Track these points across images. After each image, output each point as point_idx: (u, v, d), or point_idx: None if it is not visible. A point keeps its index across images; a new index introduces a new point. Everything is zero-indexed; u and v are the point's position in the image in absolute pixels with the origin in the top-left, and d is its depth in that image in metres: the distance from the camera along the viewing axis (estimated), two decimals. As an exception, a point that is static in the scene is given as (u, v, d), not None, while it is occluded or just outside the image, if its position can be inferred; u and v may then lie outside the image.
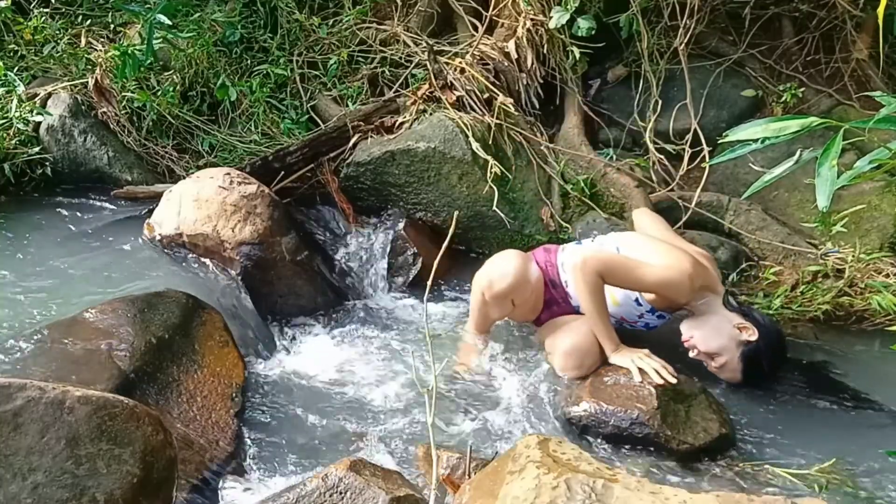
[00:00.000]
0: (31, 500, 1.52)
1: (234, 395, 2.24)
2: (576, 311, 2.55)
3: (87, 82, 3.43)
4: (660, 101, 3.45)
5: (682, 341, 2.42)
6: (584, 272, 2.33)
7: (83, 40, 3.69)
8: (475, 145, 3.06)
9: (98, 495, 1.57)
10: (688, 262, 2.35)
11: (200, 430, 2.05)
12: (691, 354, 2.41)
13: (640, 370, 2.26)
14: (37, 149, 3.31)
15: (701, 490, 1.58)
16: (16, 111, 3.26)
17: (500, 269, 2.47)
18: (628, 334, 2.48)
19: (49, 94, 3.45)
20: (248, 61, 3.68)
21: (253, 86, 3.53)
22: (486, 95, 3.28)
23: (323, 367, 2.52)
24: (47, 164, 3.32)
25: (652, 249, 2.46)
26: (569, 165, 3.27)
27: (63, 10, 3.90)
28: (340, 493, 1.64)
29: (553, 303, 2.57)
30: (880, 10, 1.25)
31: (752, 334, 2.33)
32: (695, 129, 3.35)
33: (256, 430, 2.19)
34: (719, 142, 1.72)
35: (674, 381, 2.22)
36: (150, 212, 2.92)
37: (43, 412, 1.58)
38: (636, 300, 2.44)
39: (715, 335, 2.36)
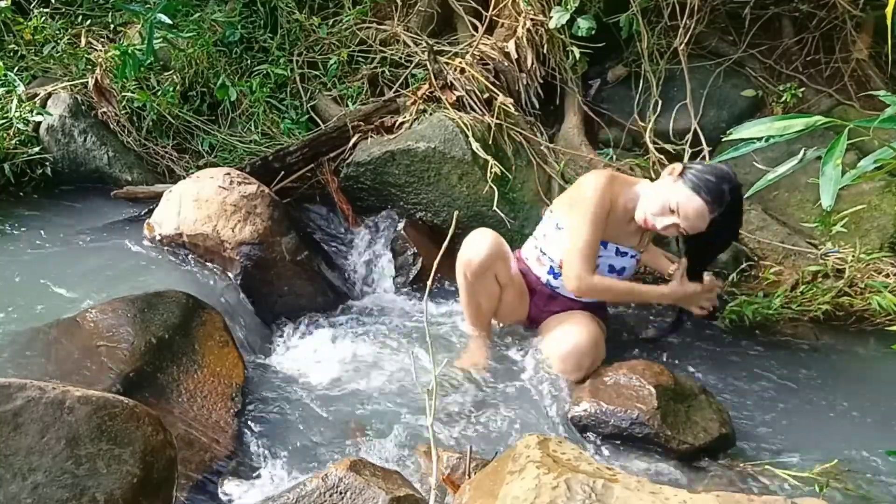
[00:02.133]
0: (31, 500, 1.52)
1: (234, 395, 2.23)
2: (551, 289, 2.57)
3: (87, 82, 3.43)
4: (660, 101, 3.45)
5: (647, 229, 2.39)
6: (586, 288, 2.40)
7: (83, 40, 3.69)
8: (475, 145, 3.06)
9: (98, 495, 1.57)
10: (591, 176, 2.41)
11: (200, 430, 2.05)
12: (662, 229, 2.32)
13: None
14: (37, 149, 3.32)
15: (701, 490, 1.57)
16: (16, 111, 3.26)
17: (473, 245, 2.47)
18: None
19: (49, 94, 3.45)
20: (248, 61, 3.68)
21: (253, 86, 3.53)
22: (486, 95, 3.28)
23: (323, 366, 2.51)
24: (47, 164, 3.32)
25: (571, 191, 2.53)
26: (569, 165, 3.27)
27: (63, 10, 3.91)
28: (340, 493, 1.64)
29: (532, 291, 2.61)
30: (889, 10, 1.25)
31: (676, 167, 2.33)
32: (695, 129, 3.35)
33: (256, 430, 2.19)
34: (722, 140, 1.73)
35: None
36: (150, 212, 2.92)
37: (43, 412, 1.57)
38: (558, 227, 2.49)
39: (653, 196, 2.33)
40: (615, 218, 2.42)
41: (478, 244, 2.46)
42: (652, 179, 3.24)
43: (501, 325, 2.70)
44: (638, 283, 2.43)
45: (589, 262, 2.37)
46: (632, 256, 2.51)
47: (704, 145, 3.28)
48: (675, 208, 2.27)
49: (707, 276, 2.62)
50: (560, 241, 2.48)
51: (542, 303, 2.60)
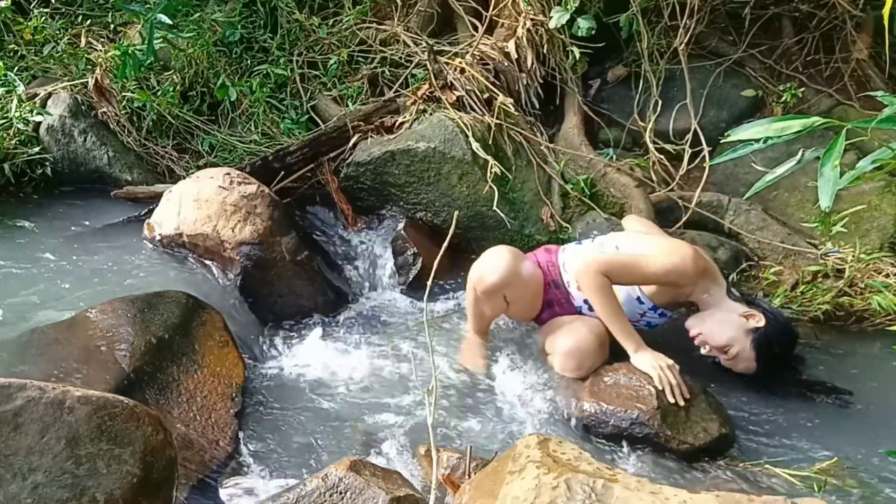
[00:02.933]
0: (31, 500, 1.52)
1: (233, 395, 2.24)
2: (578, 311, 2.55)
3: (87, 82, 3.43)
4: (660, 101, 3.45)
5: (690, 338, 2.41)
6: (588, 276, 2.33)
7: (83, 40, 3.69)
8: (475, 145, 3.06)
9: (98, 495, 1.57)
10: (688, 247, 2.37)
11: (200, 430, 2.05)
12: (703, 351, 2.40)
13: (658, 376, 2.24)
14: (37, 149, 3.31)
15: (701, 490, 1.57)
16: (16, 111, 3.26)
17: (490, 264, 2.45)
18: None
19: (49, 94, 3.45)
20: (248, 61, 3.68)
21: (253, 86, 3.53)
22: (486, 95, 3.28)
23: (323, 366, 2.52)
24: (47, 164, 3.32)
25: (652, 241, 2.48)
26: (569, 165, 3.27)
27: (63, 10, 3.90)
28: (340, 493, 1.64)
29: (555, 303, 2.56)
30: (886, 10, 1.25)
31: (759, 320, 2.32)
32: (695, 129, 3.35)
33: (256, 429, 2.19)
34: (721, 141, 1.72)
35: (682, 402, 2.20)
36: (150, 212, 2.92)
37: (43, 412, 1.57)
38: (638, 298, 2.44)
39: (723, 327, 2.34)
40: (677, 295, 2.42)
41: (494, 265, 2.43)
42: (652, 180, 3.26)
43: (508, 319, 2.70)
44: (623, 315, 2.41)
45: (617, 274, 2.33)
46: (670, 316, 2.53)
47: (704, 145, 3.28)
48: (731, 356, 2.35)
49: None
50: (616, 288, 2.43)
51: (564, 310, 2.58)
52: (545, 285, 2.55)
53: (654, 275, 2.34)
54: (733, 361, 2.37)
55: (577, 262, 2.43)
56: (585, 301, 2.48)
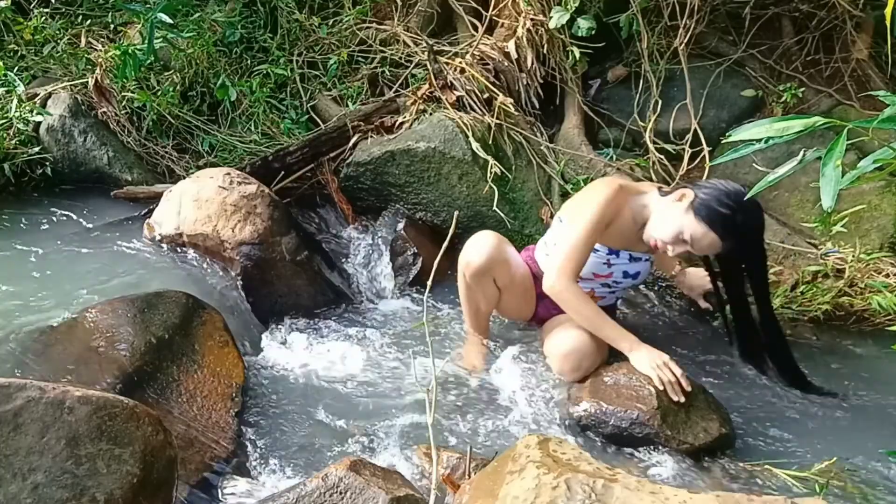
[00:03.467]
0: (31, 500, 1.52)
1: (234, 394, 2.23)
2: None
3: (87, 82, 3.43)
4: (660, 101, 3.45)
5: (655, 249, 2.37)
6: (556, 294, 2.33)
7: (83, 40, 3.69)
8: (475, 145, 3.06)
9: (98, 495, 1.57)
10: (602, 181, 2.41)
11: (200, 430, 2.05)
12: (670, 253, 2.32)
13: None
14: (37, 149, 3.31)
15: (701, 490, 1.57)
16: (16, 111, 3.26)
17: (474, 248, 2.45)
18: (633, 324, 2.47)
19: (49, 94, 3.45)
20: (248, 61, 3.68)
21: (253, 86, 3.53)
22: (486, 95, 3.28)
23: (323, 366, 2.51)
24: (47, 164, 3.32)
25: (578, 196, 2.50)
26: (569, 165, 3.27)
27: (63, 10, 3.91)
28: (340, 493, 1.64)
29: (544, 295, 2.58)
30: (888, 11, 1.25)
31: (688, 194, 2.27)
32: (695, 129, 3.35)
33: (256, 429, 2.19)
34: (722, 142, 1.72)
35: (682, 399, 2.18)
36: (150, 212, 2.92)
37: (43, 412, 1.57)
38: (593, 251, 2.44)
39: (665, 220, 2.29)
40: (623, 227, 2.40)
41: (478, 247, 2.45)
42: (652, 180, 3.26)
43: (504, 318, 2.70)
44: (610, 317, 2.40)
45: (574, 264, 2.33)
46: (646, 260, 2.51)
47: (704, 145, 3.28)
48: (687, 239, 2.26)
49: (707, 275, 2.62)
50: None
51: (552, 305, 2.59)
52: (532, 277, 2.57)
53: (592, 228, 2.31)
54: (697, 244, 2.26)
55: (545, 283, 2.40)
56: None
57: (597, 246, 2.42)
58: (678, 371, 2.23)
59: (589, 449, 2.09)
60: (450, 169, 3.10)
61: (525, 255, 2.63)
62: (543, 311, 2.61)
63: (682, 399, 2.18)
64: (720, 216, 2.20)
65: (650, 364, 2.25)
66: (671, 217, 2.28)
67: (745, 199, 2.18)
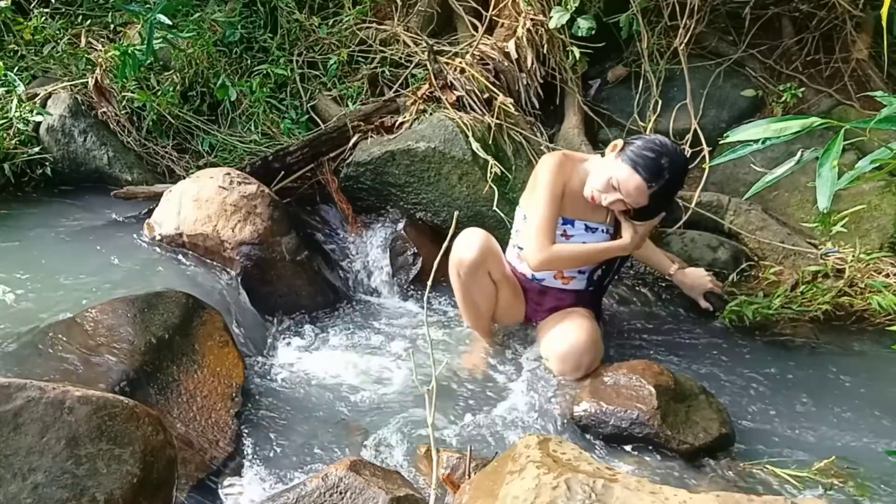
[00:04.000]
0: (31, 500, 1.52)
1: (234, 394, 2.24)
2: (537, 283, 2.58)
3: (87, 82, 3.43)
4: (660, 101, 3.45)
5: (597, 205, 2.42)
6: (546, 256, 2.41)
7: (83, 40, 3.69)
8: (475, 145, 3.06)
9: (98, 495, 1.57)
10: (547, 158, 2.49)
11: (200, 430, 2.05)
12: (609, 204, 2.37)
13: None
14: (37, 149, 3.31)
15: (701, 490, 1.57)
16: (16, 111, 3.26)
17: (464, 244, 2.47)
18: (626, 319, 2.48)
19: (49, 94, 3.45)
20: (248, 61, 3.68)
21: (253, 86, 3.53)
22: (486, 95, 3.28)
23: (323, 366, 2.52)
24: (47, 164, 3.32)
25: (530, 183, 2.57)
26: (569, 165, 3.27)
27: (63, 10, 3.90)
28: (340, 493, 1.64)
29: (525, 289, 2.62)
30: (884, 11, 1.25)
31: (618, 143, 2.39)
32: (695, 129, 3.35)
33: (256, 429, 2.19)
34: (720, 142, 1.72)
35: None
36: (150, 212, 2.92)
37: (43, 412, 1.58)
38: (524, 216, 2.53)
39: (598, 172, 2.39)
40: (574, 194, 2.46)
41: (468, 242, 2.46)
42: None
43: (498, 325, 2.70)
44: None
45: (547, 235, 2.41)
46: (603, 232, 2.53)
47: (704, 145, 3.28)
48: (616, 185, 2.32)
49: (706, 274, 2.64)
50: (528, 229, 2.53)
51: (536, 299, 2.61)
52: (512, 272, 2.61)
53: (551, 200, 2.41)
54: (626, 192, 2.31)
55: (530, 261, 2.47)
56: (534, 275, 2.57)
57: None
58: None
59: (589, 449, 2.10)
60: (450, 169, 3.10)
61: None
62: (531, 308, 2.62)
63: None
64: (644, 158, 2.29)
65: (632, 234, 2.43)
66: (601, 169, 2.38)
67: (680, 155, 2.37)
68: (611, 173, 2.33)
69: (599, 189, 2.36)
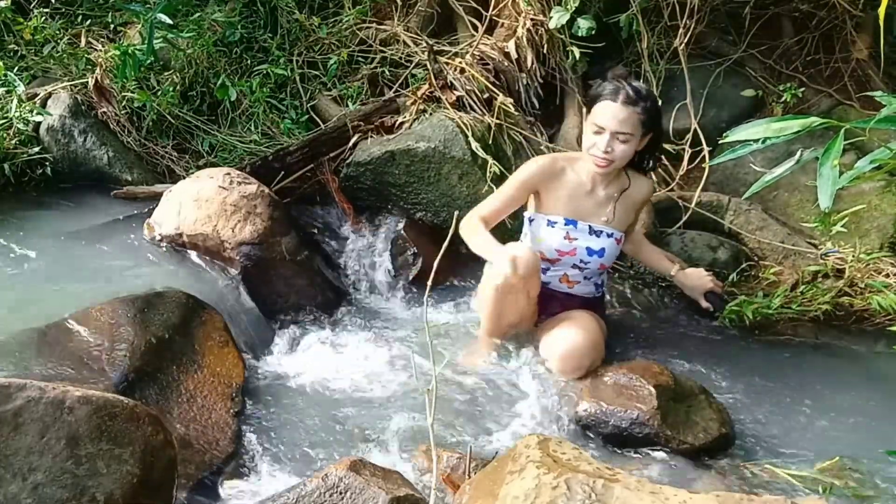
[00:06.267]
0: (31, 500, 1.52)
1: (234, 395, 2.24)
2: (545, 288, 2.54)
3: (87, 82, 3.42)
4: (660, 101, 3.44)
5: (600, 166, 2.43)
6: (463, 223, 2.46)
7: (83, 40, 3.68)
8: (475, 145, 3.06)
9: (98, 495, 1.57)
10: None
11: (200, 430, 2.05)
12: (606, 153, 2.38)
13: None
14: (37, 149, 3.31)
15: (701, 490, 1.57)
16: (16, 111, 3.26)
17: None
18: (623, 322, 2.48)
19: (49, 94, 3.45)
20: (248, 61, 3.68)
21: (253, 86, 3.53)
22: (486, 95, 3.28)
23: (323, 366, 2.52)
24: (47, 164, 3.31)
25: None
26: (569, 165, 3.27)
27: (63, 10, 3.90)
28: (340, 493, 1.64)
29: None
30: (881, 10, 1.25)
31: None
32: (695, 129, 3.35)
33: (256, 430, 2.19)
34: (720, 142, 1.72)
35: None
36: (150, 212, 2.92)
37: (43, 412, 1.57)
38: (529, 220, 2.57)
39: (584, 137, 2.47)
40: (571, 191, 2.48)
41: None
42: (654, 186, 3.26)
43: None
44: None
45: (486, 206, 2.49)
46: (609, 235, 2.52)
47: (704, 145, 3.29)
48: (601, 125, 2.37)
49: (706, 274, 2.64)
50: (533, 233, 2.55)
51: (543, 302, 2.60)
52: None
53: (514, 181, 2.50)
54: (619, 125, 2.36)
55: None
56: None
57: (552, 218, 2.50)
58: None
59: (589, 449, 2.10)
60: (450, 169, 3.10)
61: None
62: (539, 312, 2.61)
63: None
64: (606, 88, 2.39)
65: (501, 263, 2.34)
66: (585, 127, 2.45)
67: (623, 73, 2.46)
68: (590, 121, 2.40)
69: (588, 145, 2.41)
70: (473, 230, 2.45)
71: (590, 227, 2.50)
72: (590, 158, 2.42)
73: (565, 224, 2.48)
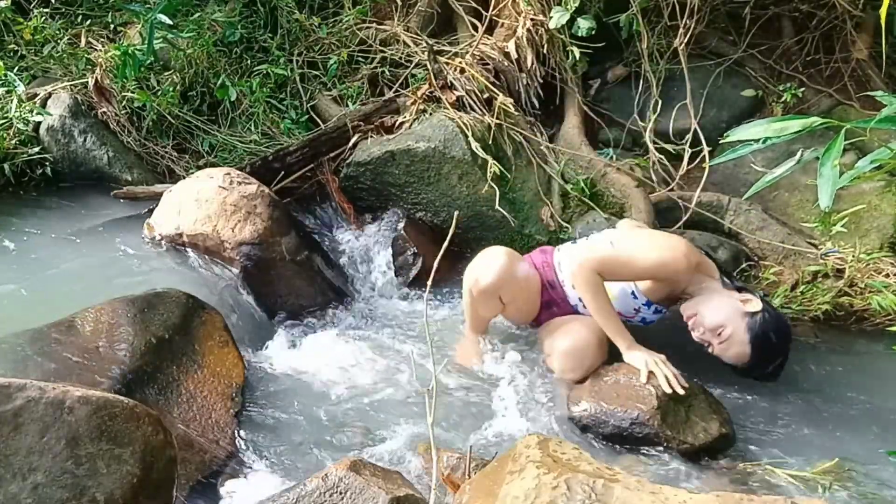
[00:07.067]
0: (31, 500, 1.52)
1: (234, 394, 2.23)
2: (574, 310, 2.55)
3: (87, 82, 3.42)
4: (660, 101, 3.45)
5: (684, 320, 2.35)
6: (581, 274, 2.33)
7: (83, 40, 3.68)
8: (475, 145, 3.06)
9: (98, 495, 1.57)
10: (681, 242, 2.36)
11: (200, 430, 2.05)
12: (696, 335, 2.33)
13: (649, 373, 2.23)
14: (37, 149, 3.31)
15: (701, 490, 1.57)
16: (16, 111, 3.26)
17: (484, 266, 2.46)
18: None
19: (49, 94, 3.45)
20: (248, 61, 3.68)
21: (253, 86, 3.53)
22: (486, 95, 3.28)
23: (323, 366, 2.51)
24: (47, 164, 3.31)
25: (645, 236, 2.49)
26: (569, 165, 3.27)
27: (63, 10, 3.90)
28: (340, 493, 1.64)
29: (552, 304, 2.56)
30: (883, 11, 1.25)
31: (755, 305, 2.27)
32: (695, 129, 3.35)
33: (256, 429, 2.19)
34: (720, 142, 1.73)
35: (681, 391, 2.18)
36: (150, 212, 2.92)
37: (43, 412, 1.57)
38: (632, 293, 2.43)
39: (718, 308, 2.28)
40: (670, 290, 2.40)
41: (488, 267, 2.44)
42: (652, 180, 3.26)
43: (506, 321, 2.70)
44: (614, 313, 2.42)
45: (609, 270, 2.32)
46: (664, 311, 2.51)
47: (704, 145, 3.28)
48: (724, 338, 2.26)
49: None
50: (608, 286, 2.40)
51: (554, 313, 2.58)
52: (542, 286, 2.55)
53: (646, 270, 2.33)
54: (725, 345, 2.27)
55: (572, 262, 2.43)
56: (580, 299, 2.47)
57: (637, 294, 2.42)
58: (674, 370, 2.25)
59: (589, 449, 2.09)
60: (450, 169, 3.10)
61: (540, 259, 2.59)
62: (545, 318, 2.60)
63: (682, 391, 2.18)
64: (767, 343, 2.24)
65: (645, 360, 2.26)
66: (725, 309, 2.28)
67: (785, 328, 2.30)
68: (727, 325, 2.25)
69: (707, 326, 2.28)
70: (591, 288, 2.33)
71: (657, 307, 2.47)
72: (692, 309, 2.33)
73: (644, 304, 2.45)
